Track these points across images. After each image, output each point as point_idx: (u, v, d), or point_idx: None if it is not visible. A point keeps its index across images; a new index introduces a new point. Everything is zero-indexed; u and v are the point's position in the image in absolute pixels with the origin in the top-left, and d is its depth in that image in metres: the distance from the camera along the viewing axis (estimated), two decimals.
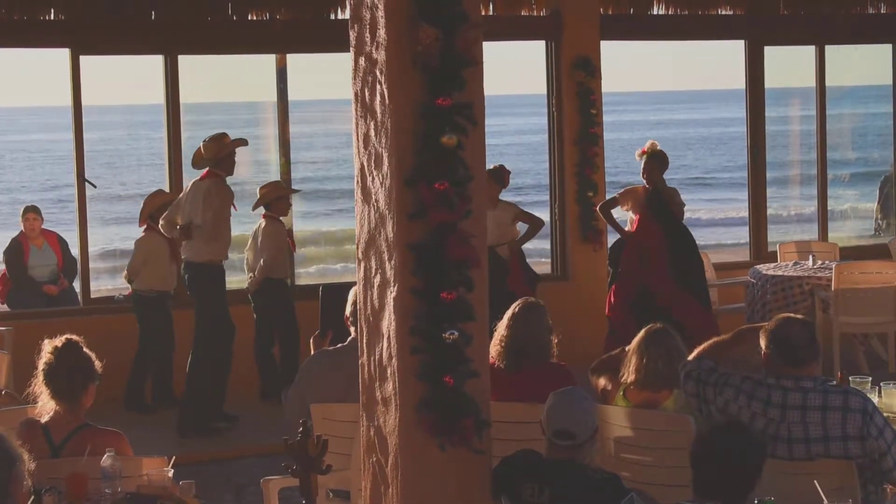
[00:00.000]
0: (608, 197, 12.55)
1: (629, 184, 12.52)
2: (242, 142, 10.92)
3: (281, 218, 11.85)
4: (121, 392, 11.36)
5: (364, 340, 5.80)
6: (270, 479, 7.19)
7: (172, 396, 11.45)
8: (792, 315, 6.21)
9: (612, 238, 12.60)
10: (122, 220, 33.14)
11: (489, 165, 11.96)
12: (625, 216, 12.21)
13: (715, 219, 32.94)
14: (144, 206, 11.67)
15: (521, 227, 12.29)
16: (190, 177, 11.63)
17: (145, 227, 11.66)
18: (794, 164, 33.11)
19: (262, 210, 11.96)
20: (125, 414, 11.09)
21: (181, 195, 11.07)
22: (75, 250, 12.71)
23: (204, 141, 10.77)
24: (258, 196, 11.89)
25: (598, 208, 12.46)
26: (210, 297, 10.76)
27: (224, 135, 10.79)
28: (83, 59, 11.96)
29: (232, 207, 10.74)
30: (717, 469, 4.96)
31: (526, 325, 7.12)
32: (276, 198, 11.78)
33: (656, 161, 11.79)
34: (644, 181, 11.79)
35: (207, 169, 10.71)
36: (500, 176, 11.99)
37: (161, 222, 11.14)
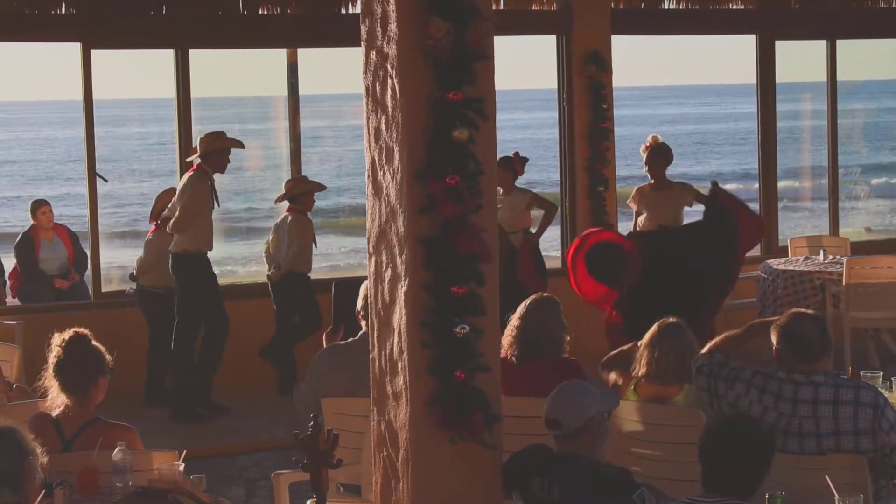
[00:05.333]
0: (621, 198, 12.43)
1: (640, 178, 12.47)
2: (237, 143, 11.07)
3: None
4: (136, 387, 11.35)
5: (375, 335, 5.80)
6: (281, 473, 7.19)
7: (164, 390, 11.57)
8: (803, 310, 6.19)
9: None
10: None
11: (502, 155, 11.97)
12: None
13: None
14: (155, 203, 11.71)
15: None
16: None
17: (156, 224, 11.69)
18: (804, 159, 32.99)
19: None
20: (143, 408, 11.08)
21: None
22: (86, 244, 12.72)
23: (201, 135, 10.95)
24: (283, 190, 11.92)
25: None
26: (189, 287, 10.95)
27: (222, 132, 11.01)
28: (94, 54, 11.97)
29: (214, 201, 10.84)
30: (725, 463, 4.95)
31: (539, 319, 7.11)
32: (302, 192, 11.77)
33: (658, 155, 11.70)
34: (648, 176, 11.79)
35: (197, 163, 10.84)
36: (512, 165, 11.95)
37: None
